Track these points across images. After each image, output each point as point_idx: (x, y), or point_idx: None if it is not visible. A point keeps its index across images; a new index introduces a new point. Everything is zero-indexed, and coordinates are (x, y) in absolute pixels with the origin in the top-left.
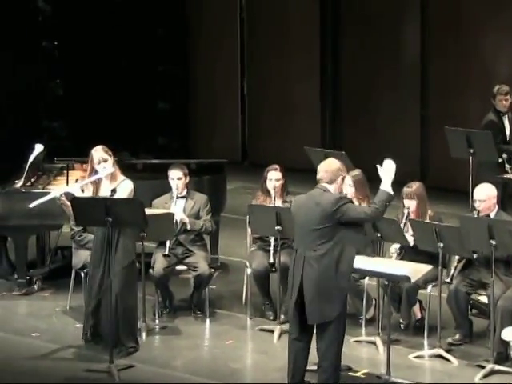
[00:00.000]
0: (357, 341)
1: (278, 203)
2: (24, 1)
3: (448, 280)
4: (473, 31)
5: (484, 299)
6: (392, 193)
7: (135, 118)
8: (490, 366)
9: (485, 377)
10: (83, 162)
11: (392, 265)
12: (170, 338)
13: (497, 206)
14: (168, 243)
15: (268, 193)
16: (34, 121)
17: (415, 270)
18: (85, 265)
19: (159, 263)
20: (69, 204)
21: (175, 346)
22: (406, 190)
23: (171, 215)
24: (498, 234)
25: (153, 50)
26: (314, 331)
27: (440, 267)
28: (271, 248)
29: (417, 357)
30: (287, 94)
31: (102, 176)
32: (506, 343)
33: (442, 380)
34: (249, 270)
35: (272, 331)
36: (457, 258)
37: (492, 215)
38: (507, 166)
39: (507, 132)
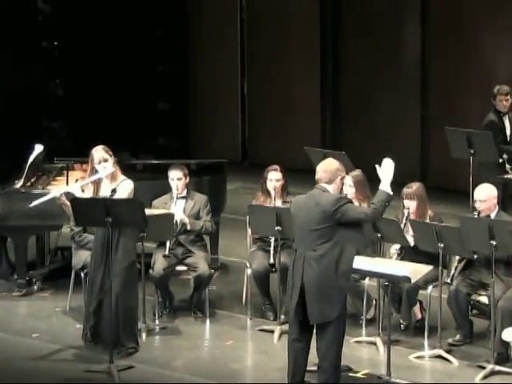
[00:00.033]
0: (357, 341)
1: (278, 203)
2: (24, 1)
3: (448, 280)
4: (473, 31)
5: (484, 300)
6: (391, 193)
7: (135, 118)
8: (490, 367)
9: (485, 377)
10: (83, 163)
11: (392, 265)
12: (170, 339)
13: (497, 207)
14: (168, 244)
15: (268, 193)
16: (34, 121)
17: (415, 271)
18: (85, 265)
19: (159, 264)
20: (69, 204)
21: (175, 346)
22: (405, 190)
23: (171, 216)
24: (499, 235)
25: (153, 50)
26: (314, 331)
27: (440, 268)
28: (271, 248)
29: (417, 357)
30: (287, 94)
31: (103, 176)
32: (506, 344)
33: (442, 380)
34: (249, 271)
35: (272, 331)
36: (457, 258)
37: (492, 216)
38: (508, 166)
39: (508, 132)
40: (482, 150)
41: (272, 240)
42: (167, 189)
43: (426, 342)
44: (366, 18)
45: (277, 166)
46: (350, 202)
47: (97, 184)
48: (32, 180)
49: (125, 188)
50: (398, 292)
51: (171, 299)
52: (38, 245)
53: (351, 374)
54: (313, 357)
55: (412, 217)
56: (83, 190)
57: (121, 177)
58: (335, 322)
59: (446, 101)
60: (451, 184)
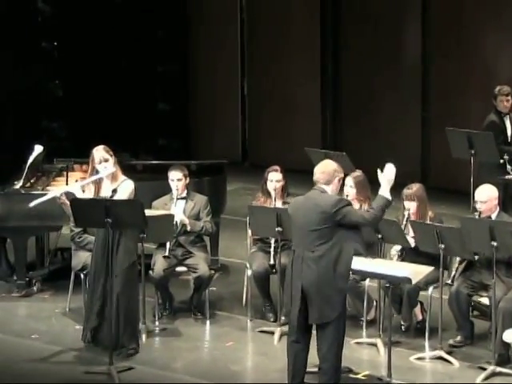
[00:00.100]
0: (357, 342)
1: (279, 204)
2: (24, 1)
3: (449, 281)
4: (474, 32)
5: (485, 301)
6: (390, 198)
7: (135, 119)
8: (491, 368)
9: (486, 379)
10: (83, 163)
11: (393, 266)
12: (170, 340)
13: (498, 208)
14: (168, 244)
15: (268, 194)
16: (34, 121)
17: (416, 272)
18: (84, 266)
19: (159, 264)
20: (69, 203)
21: (175, 347)
22: (405, 191)
23: (171, 216)
24: (500, 236)
25: (153, 51)
26: (314, 332)
27: (441, 269)
28: (271, 249)
29: (418, 359)
30: (288, 94)
31: (103, 176)
32: (507, 345)
33: (443, 382)
34: (249, 272)
35: (272, 333)
36: (458, 259)
37: (493, 216)
38: (508, 167)
39: (509, 133)
40: (482, 150)
41: (272, 241)
42: (167, 189)
43: (426, 344)
44: (366, 18)
45: (277, 167)
46: (350, 204)
47: (98, 184)
48: (32, 181)
49: (125, 188)
50: (399, 293)
51: (171, 300)
52: (37, 246)
53: (352, 376)
54: (313, 358)
55: (412, 218)
56: (84, 190)
57: (121, 177)
58: (335, 323)
59: (446, 101)
60: (452, 185)
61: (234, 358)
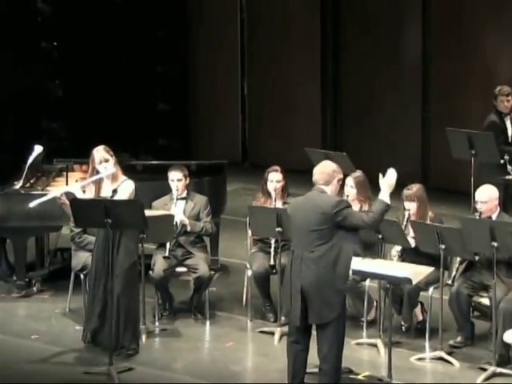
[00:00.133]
0: (358, 343)
1: (279, 205)
2: (23, 1)
3: (449, 282)
4: (474, 32)
5: (486, 301)
6: (389, 203)
7: (135, 119)
8: (491, 369)
9: (487, 379)
10: (83, 163)
11: (393, 267)
12: (170, 340)
13: (498, 208)
14: (168, 245)
15: (268, 194)
16: (34, 122)
17: (416, 272)
18: (84, 266)
19: (159, 265)
20: (69, 204)
21: (175, 348)
22: (405, 192)
23: (171, 217)
24: (500, 236)
25: (153, 51)
26: (314, 333)
27: (441, 269)
28: (272, 250)
29: (418, 359)
30: (288, 94)
31: (103, 176)
32: (507, 345)
33: (443, 382)
34: (249, 272)
35: (272, 333)
36: (458, 259)
37: (494, 217)
38: (509, 167)
39: (509, 133)
40: (483, 150)
41: (272, 241)
42: (167, 190)
43: (427, 344)
44: (366, 18)
45: (277, 167)
46: (350, 206)
47: (98, 184)
48: (31, 181)
49: (126, 188)
50: (399, 293)
51: (171, 301)
52: (37, 246)
53: (352, 376)
54: (313, 358)
55: (412, 218)
56: (84, 191)
57: (122, 177)
58: (335, 324)
59: (446, 101)
60: (452, 185)
61: (234, 359)
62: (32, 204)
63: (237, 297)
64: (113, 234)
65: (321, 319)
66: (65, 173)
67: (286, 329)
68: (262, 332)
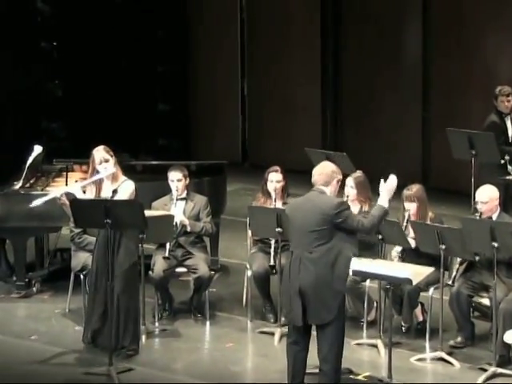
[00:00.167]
0: (358, 344)
1: (279, 205)
2: (23, 1)
3: (450, 282)
4: (475, 32)
5: (486, 302)
6: (387, 208)
7: (135, 119)
8: (492, 369)
9: (487, 380)
10: (82, 164)
11: (393, 267)
12: (170, 341)
13: (499, 208)
14: (168, 245)
15: (268, 194)
16: (33, 122)
17: (417, 273)
18: (84, 267)
19: (159, 265)
20: (69, 204)
21: (175, 348)
22: (405, 192)
23: (171, 217)
24: (500, 236)
25: (153, 51)
26: (314, 333)
27: (442, 269)
28: (272, 250)
29: (418, 360)
30: (288, 94)
31: (104, 176)
32: (508, 346)
33: (443, 383)
34: (249, 272)
35: (272, 334)
36: (459, 260)
37: (494, 217)
38: (509, 167)
39: (510, 133)
40: (483, 151)
41: (272, 242)
42: (167, 190)
43: (427, 345)
44: (366, 18)
45: (277, 167)
46: (349, 208)
47: (98, 185)
48: (31, 181)
49: (126, 189)
50: (399, 294)
51: (171, 301)
52: (37, 246)
53: (352, 377)
54: (313, 359)
55: (412, 219)
56: (84, 191)
57: (122, 177)
58: (335, 324)
59: (447, 101)
60: (453, 185)
61: (234, 359)
62: (33, 204)
63: (237, 297)
64: (113, 235)
65: (318, 320)
66: (64, 173)
67: (286, 329)
68: (262, 332)
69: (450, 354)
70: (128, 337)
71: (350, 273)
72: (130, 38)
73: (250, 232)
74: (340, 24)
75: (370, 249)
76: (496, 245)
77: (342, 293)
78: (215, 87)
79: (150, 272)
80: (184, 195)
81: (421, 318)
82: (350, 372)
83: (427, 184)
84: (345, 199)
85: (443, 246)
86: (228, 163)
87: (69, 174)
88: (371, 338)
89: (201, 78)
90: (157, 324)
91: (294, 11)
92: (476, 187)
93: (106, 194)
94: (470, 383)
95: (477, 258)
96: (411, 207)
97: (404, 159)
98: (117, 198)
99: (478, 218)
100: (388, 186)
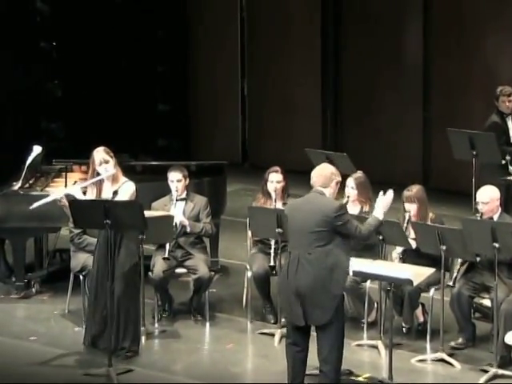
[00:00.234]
0: (358, 344)
1: (279, 205)
2: (22, 1)
3: (451, 283)
4: (475, 32)
5: (487, 302)
6: (382, 220)
7: (135, 119)
8: (493, 370)
9: (488, 381)
10: (82, 164)
11: (394, 268)
12: (170, 342)
13: (500, 209)
14: (167, 246)
15: (269, 195)
16: (33, 122)
17: (417, 273)
18: (83, 267)
19: (159, 266)
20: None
21: (175, 349)
22: (406, 193)
23: (171, 218)
24: (501, 237)
25: (153, 51)
26: (313, 334)
27: (443, 270)
28: (272, 251)
29: (419, 361)
30: (288, 94)
31: (104, 177)
32: (509, 347)
33: None
34: (249, 273)
35: (273, 335)
36: (459, 261)
37: (495, 217)
38: (510, 167)
39: (511, 133)
40: (484, 151)
41: (272, 242)
42: (167, 190)
43: (428, 346)
44: (367, 18)
45: (278, 168)
46: (348, 213)
47: (99, 186)
48: (30, 181)
49: (126, 190)
50: (400, 295)
51: (171, 302)
52: (36, 247)
53: (352, 378)
54: (313, 360)
55: (413, 220)
56: (85, 192)
57: (122, 178)
58: (334, 326)
59: (448, 102)
60: (453, 186)
61: (234, 360)
62: (32, 206)
63: (237, 298)
64: (113, 236)
65: (313, 321)
66: (64, 173)
67: (286, 330)
68: (262, 333)
69: (450, 355)
70: (128, 338)
71: (351, 273)
72: (129, 38)
73: (249, 233)
74: (340, 24)
75: (370, 249)
76: (497, 245)
77: (339, 297)
78: (215, 87)
79: (150, 273)
80: (184, 196)
81: (421, 319)
82: (351, 373)
83: (428, 184)
84: (345, 200)
85: (444, 247)
86: (228, 163)
87: (68, 174)
88: (372, 339)
89: (201, 78)
90: (156, 325)
91: (294, 11)
92: (477, 188)
93: (106, 195)
94: None
95: (478, 259)
96: (411, 208)
97: (404, 159)
98: (117, 199)
99: (478, 218)
100: (385, 201)
